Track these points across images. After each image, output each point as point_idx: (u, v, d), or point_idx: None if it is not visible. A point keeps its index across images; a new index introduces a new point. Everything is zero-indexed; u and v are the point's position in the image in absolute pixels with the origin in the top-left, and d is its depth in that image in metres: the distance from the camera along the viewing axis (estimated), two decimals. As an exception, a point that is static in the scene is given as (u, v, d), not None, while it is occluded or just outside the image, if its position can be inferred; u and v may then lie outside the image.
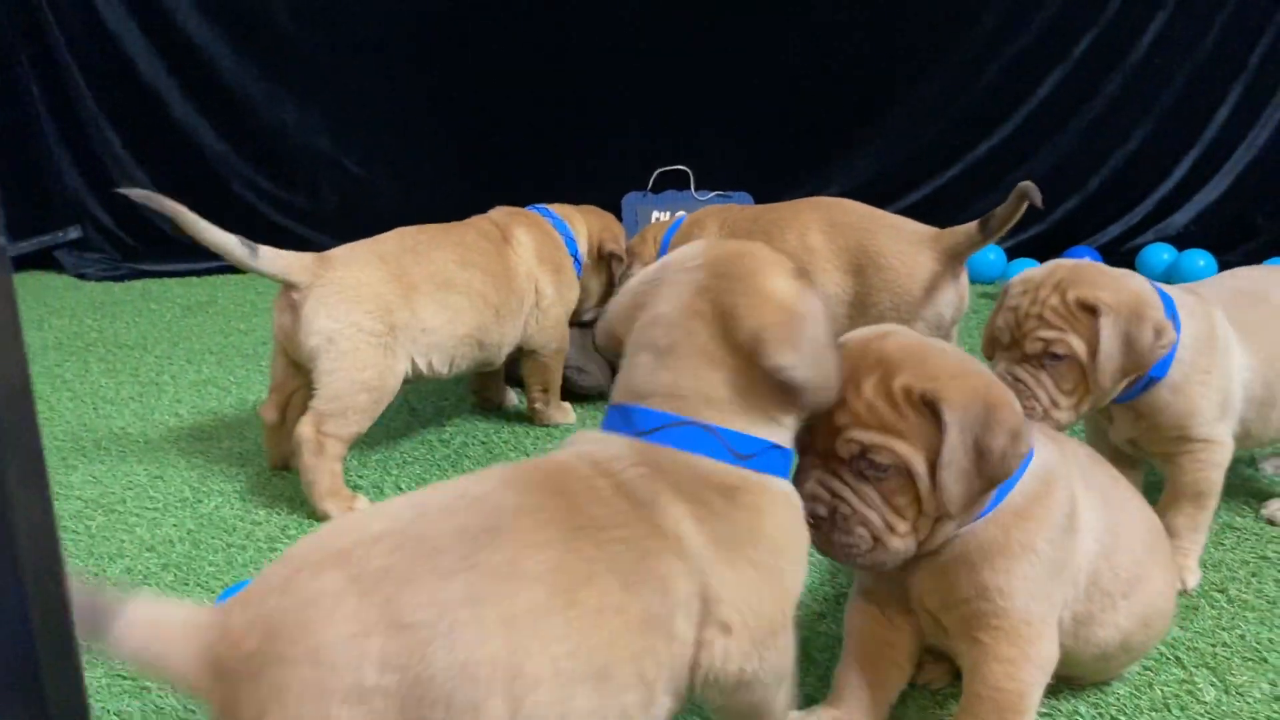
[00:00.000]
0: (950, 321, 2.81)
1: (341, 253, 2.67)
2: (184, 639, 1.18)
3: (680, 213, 3.40)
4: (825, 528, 1.54)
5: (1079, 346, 1.99)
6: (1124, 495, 1.80)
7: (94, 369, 3.73)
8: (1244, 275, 2.47)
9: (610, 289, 3.28)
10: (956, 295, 2.79)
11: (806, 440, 1.54)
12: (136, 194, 2.50)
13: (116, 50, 5.07)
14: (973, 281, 4.61)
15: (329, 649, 1.13)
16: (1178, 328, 2.09)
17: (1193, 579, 2.20)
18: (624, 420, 1.40)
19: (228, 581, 2.27)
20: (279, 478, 2.80)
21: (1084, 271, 2.05)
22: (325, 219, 5.15)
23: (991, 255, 4.60)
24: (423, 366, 2.72)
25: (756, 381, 1.38)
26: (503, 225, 3.02)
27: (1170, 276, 4.52)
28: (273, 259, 2.54)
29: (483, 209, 3.17)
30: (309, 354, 2.55)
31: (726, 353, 1.38)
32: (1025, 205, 2.70)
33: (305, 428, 2.54)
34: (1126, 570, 1.69)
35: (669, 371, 1.38)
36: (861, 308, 2.80)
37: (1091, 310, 1.99)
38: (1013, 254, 4.71)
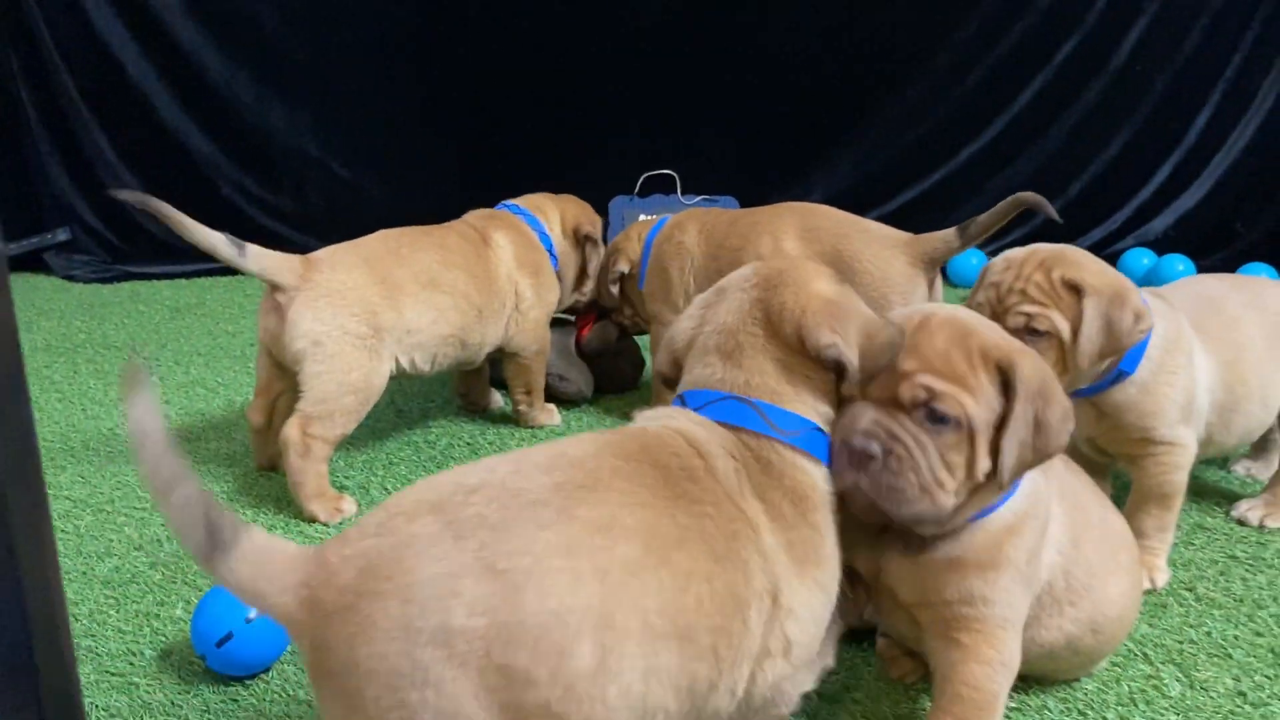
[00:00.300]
0: None
1: (326, 255, 2.69)
2: (286, 572, 1.23)
3: (664, 214, 3.43)
4: (874, 468, 1.49)
5: (1061, 323, 2.02)
6: (1092, 502, 1.83)
7: (82, 370, 3.76)
8: (1203, 282, 2.52)
9: (584, 273, 3.32)
10: (930, 299, 2.83)
11: (864, 388, 1.55)
12: (126, 195, 2.53)
13: (105, 53, 5.09)
14: (954, 285, 4.68)
15: (420, 586, 1.17)
16: (1147, 336, 2.13)
17: (1162, 578, 2.25)
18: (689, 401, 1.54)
19: (215, 581, 2.30)
20: (266, 478, 2.83)
21: (1068, 253, 2.09)
22: (312, 221, 5.18)
23: (974, 260, 4.65)
24: (405, 365, 2.76)
25: (810, 368, 1.49)
26: (480, 228, 3.05)
27: (1150, 281, 4.58)
28: (259, 257, 2.57)
29: (468, 210, 3.21)
30: (295, 357, 2.58)
31: (779, 347, 1.50)
32: (1012, 215, 2.75)
33: (291, 430, 2.56)
34: (1079, 580, 1.74)
35: (739, 370, 1.50)
36: None
37: (1076, 290, 2.02)
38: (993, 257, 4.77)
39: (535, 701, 1.17)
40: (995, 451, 1.51)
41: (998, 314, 2.06)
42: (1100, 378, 2.15)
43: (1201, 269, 4.54)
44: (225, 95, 5.18)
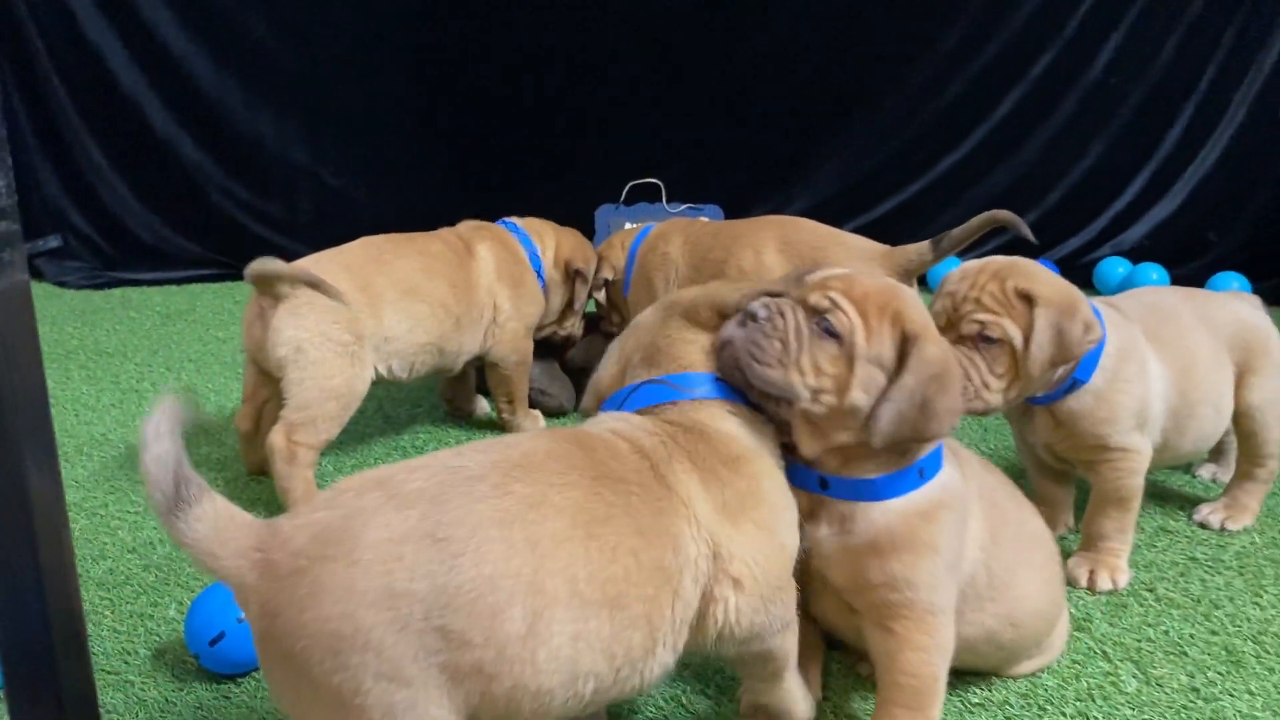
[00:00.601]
0: None
1: (308, 264, 2.75)
2: (241, 536, 1.31)
3: (649, 222, 3.49)
4: (751, 327, 1.66)
5: (1013, 331, 2.09)
6: (1008, 502, 1.92)
7: (75, 376, 3.81)
8: (1155, 293, 2.62)
9: (569, 307, 3.37)
10: None
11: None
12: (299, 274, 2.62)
13: (97, 61, 5.13)
14: (932, 290, 4.76)
15: (365, 549, 1.26)
16: (1100, 345, 2.22)
17: (1123, 578, 2.33)
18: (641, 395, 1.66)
19: (207, 582, 2.36)
20: (256, 482, 2.90)
21: (1020, 264, 2.17)
22: (302, 229, 5.23)
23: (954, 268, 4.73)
24: (383, 371, 2.82)
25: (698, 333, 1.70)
26: (466, 239, 3.11)
27: (1125, 289, 4.67)
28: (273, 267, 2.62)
29: (457, 220, 3.27)
30: (278, 364, 2.64)
31: (679, 328, 1.69)
32: (986, 230, 2.84)
33: (277, 437, 2.62)
34: (998, 575, 1.82)
35: (653, 367, 1.67)
36: None
37: (1028, 299, 2.10)
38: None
39: (470, 662, 1.27)
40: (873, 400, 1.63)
41: (953, 321, 2.13)
42: (1055, 386, 2.24)
43: (1175, 278, 4.63)
44: (216, 103, 5.23)
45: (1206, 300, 2.58)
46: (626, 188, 4.83)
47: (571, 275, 3.31)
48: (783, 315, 1.64)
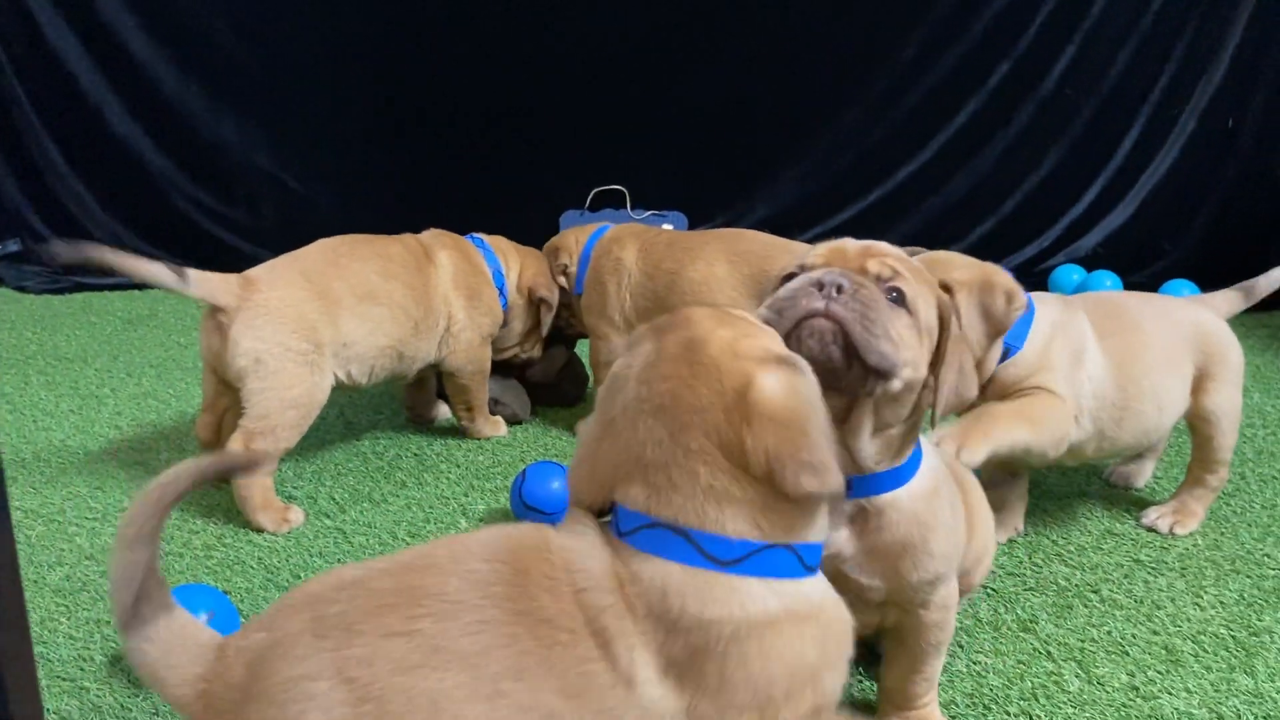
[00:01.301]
0: None
1: (264, 273, 2.74)
2: (190, 662, 1.26)
3: (605, 223, 3.50)
4: (845, 298, 1.50)
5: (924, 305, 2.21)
6: (965, 479, 2.01)
7: (33, 382, 3.79)
8: (1112, 294, 2.74)
9: (535, 331, 3.37)
10: None
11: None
12: (61, 248, 2.60)
13: (58, 64, 5.10)
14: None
15: (283, 687, 1.18)
16: (1030, 313, 2.33)
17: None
18: (614, 518, 1.31)
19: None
20: (216, 489, 2.90)
21: (937, 257, 2.27)
22: (266, 234, 5.22)
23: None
24: (342, 376, 2.83)
25: (771, 496, 1.25)
26: (427, 245, 3.12)
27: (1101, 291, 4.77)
28: (199, 282, 2.61)
29: (421, 226, 3.29)
30: (237, 374, 2.64)
31: (729, 476, 1.25)
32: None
33: (235, 446, 2.63)
34: (974, 553, 1.98)
35: (678, 495, 1.25)
36: None
37: (946, 289, 2.18)
38: (932, 273, 4.93)
39: None
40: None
41: None
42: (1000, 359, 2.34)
43: (1128, 285, 4.72)
44: (179, 107, 5.21)
45: (1169, 304, 2.65)
46: (591, 194, 4.88)
47: (535, 302, 3.31)
48: (863, 286, 1.47)
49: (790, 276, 1.54)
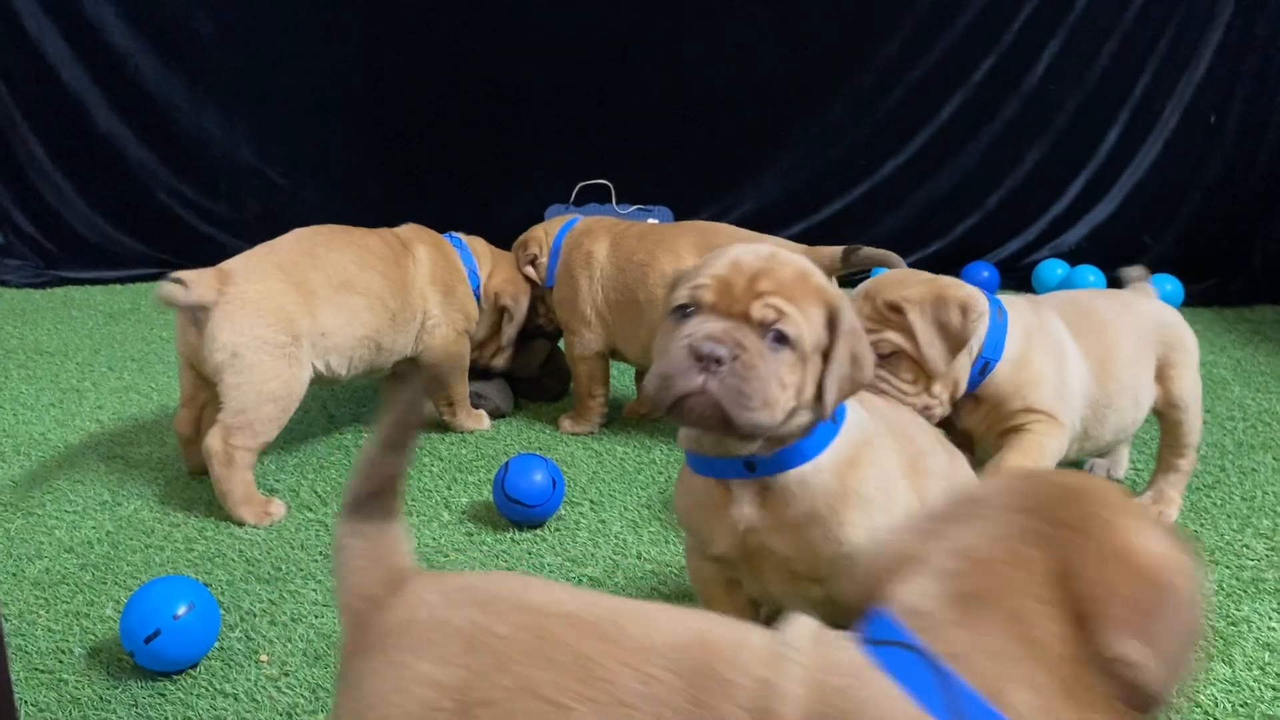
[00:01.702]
0: None
1: (239, 265, 2.72)
2: (373, 580, 1.26)
3: (574, 215, 3.48)
4: (723, 372, 1.55)
5: (899, 340, 2.22)
6: (923, 433, 1.97)
7: (13, 376, 3.77)
8: (1075, 292, 2.76)
9: (496, 335, 3.33)
10: None
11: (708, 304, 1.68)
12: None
13: (39, 57, 5.06)
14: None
15: (402, 675, 1.15)
16: (1003, 321, 2.32)
17: None
18: (873, 628, 1.12)
19: (145, 581, 2.36)
20: (198, 482, 2.89)
21: (887, 279, 2.31)
22: (249, 228, 5.18)
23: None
24: (321, 368, 2.81)
25: (1081, 664, 1.04)
26: (405, 239, 3.11)
27: (1064, 290, 4.78)
28: (187, 279, 2.59)
29: (406, 220, 3.29)
30: (214, 369, 2.62)
31: (1051, 619, 1.04)
32: (881, 266, 3.01)
33: (214, 440, 2.61)
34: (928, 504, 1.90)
35: (968, 629, 1.06)
36: None
37: (897, 309, 2.22)
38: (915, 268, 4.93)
39: None
40: (817, 384, 1.63)
41: None
42: (975, 375, 2.32)
43: (1111, 280, 4.74)
44: (161, 101, 5.18)
45: (1125, 299, 2.68)
46: (576, 188, 4.86)
47: (498, 309, 3.29)
48: (744, 348, 1.55)
49: (683, 309, 1.62)
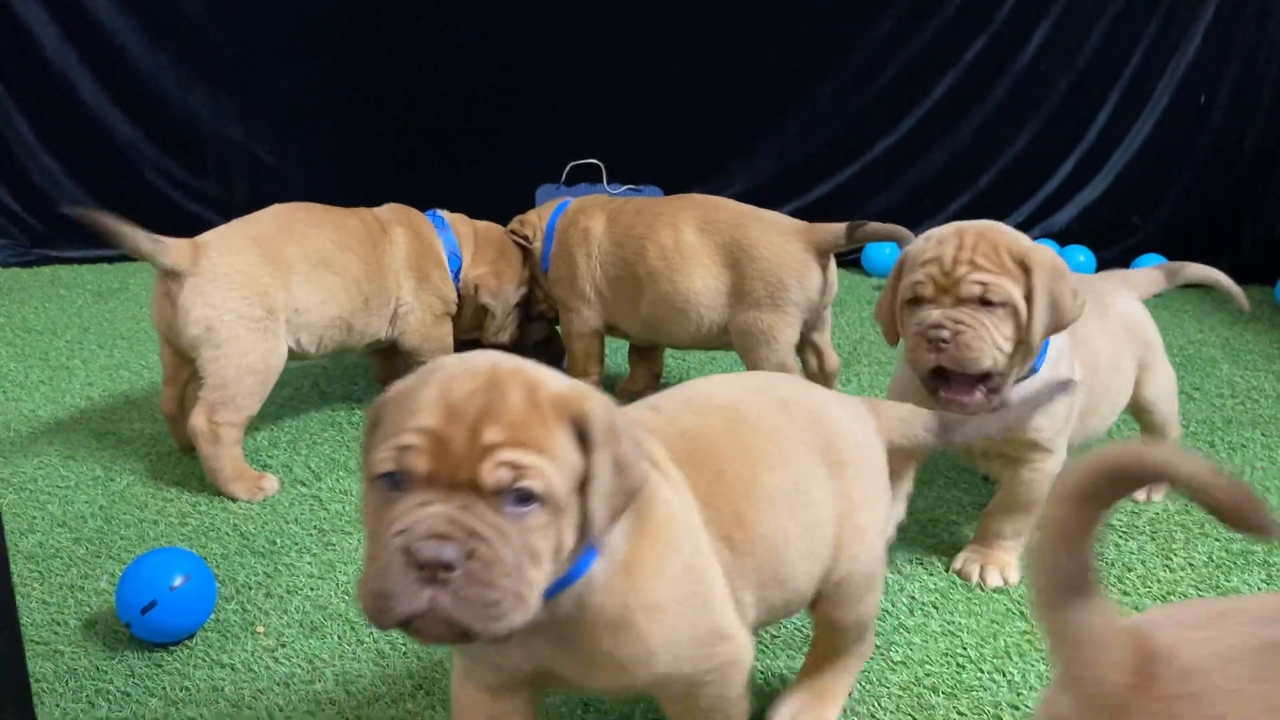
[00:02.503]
0: (821, 305, 3.02)
1: (214, 238, 2.70)
2: (1118, 648, 1.01)
3: (565, 198, 3.47)
4: (456, 580, 1.20)
5: (1016, 294, 2.00)
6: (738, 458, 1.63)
7: (2, 354, 3.75)
8: None
9: (481, 324, 3.29)
10: (825, 281, 2.99)
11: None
12: (79, 213, 2.56)
13: (25, 34, 5.01)
14: (868, 273, 4.86)
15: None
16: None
17: (1014, 575, 2.29)
18: None
19: (139, 554, 2.35)
20: (190, 458, 2.88)
21: (1004, 228, 2.09)
22: (237, 207, 5.09)
23: (887, 249, 4.82)
24: (292, 344, 2.77)
25: None
26: (384, 221, 3.08)
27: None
28: (166, 249, 2.58)
29: (394, 198, 3.28)
30: (190, 343, 2.60)
31: None
32: (888, 240, 3.06)
33: (198, 419, 2.61)
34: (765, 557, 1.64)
35: None
36: (739, 296, 2.98)
37: (1023, 264, 2.01)
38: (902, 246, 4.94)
39: None
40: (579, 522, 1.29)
41: (945, 287, 2.03)
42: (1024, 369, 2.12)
43: (1101, 260, 4.77)
44: (148, 79, 5.14)
45: (1101, 295, 2.45)
46: (567, 168, 4.84)
47: (479, 304, 3.24)
48: (479, 537, 1.19)
49: (390, 477, 1.22)
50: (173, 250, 2.59)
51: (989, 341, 2.02)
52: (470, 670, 1.52)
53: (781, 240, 2.96)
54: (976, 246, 2.02)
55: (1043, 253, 2.04)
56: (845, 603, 1.74)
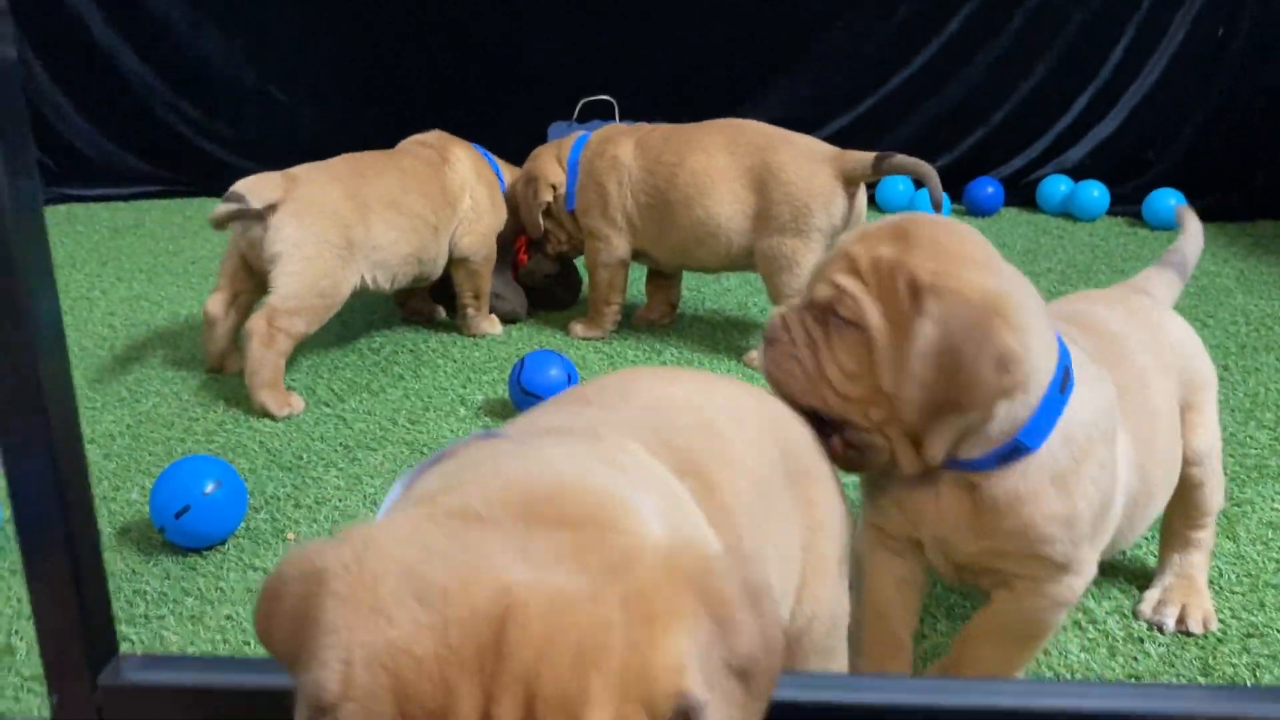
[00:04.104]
0: (844, 232, 3.02)
1: (303, 172, 2.87)
2: None
3: (580, 131, 3.44)
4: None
5: (874, 318, 1.35)
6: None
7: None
8: (1092, 305, 1.76)
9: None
10: (851, 208, 2.99)
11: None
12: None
13: (36, -27, 5.00)
14: (882, 210, 4.85)
15: None
16: (1068, 383, 1.41)
17: None
18: None
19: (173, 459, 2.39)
20: (215, 380, 2.92)
21: (938, 233, 1.38)
22: (248, 146, 5.16)
23: (901, 185, 4.81)
24: (369, 281, 2.93)
25: None
26: (440, 147, 3.22)
27: (1067, 206, 4.79)
28: (249, 187, 2.75)
29: (406, 135, 3.31)
30: (272, 258, 2.73)
31: None
32: (914, 176, 2.99)
33: (257, 321, 2.71)
34: None
35: None
36: (763, 220, 2.98)
37: (914, 288, 1.33)
38: (919, 183, 4.90)
39: None
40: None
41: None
42: (986, 450, 1.39)
43: (1116, 196, 4.76)
44: (161, 19, 5.11)
45: (1145, 323, 1.74)
46: (580, 104, 4.83)
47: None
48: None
49: None
50: (262, 186, 2.76)
51: (805, 367, 1.41)
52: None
53: (810, 165, 2.96)
54: (876, 248, 1.37)
55: (965, 281, 1.32)
56: (812, 659, 1.33)
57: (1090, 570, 1.50)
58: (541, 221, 3.30)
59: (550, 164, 3.29)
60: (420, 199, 3.04)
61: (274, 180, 2.79)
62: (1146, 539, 2.08)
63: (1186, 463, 1.78)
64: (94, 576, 0.82)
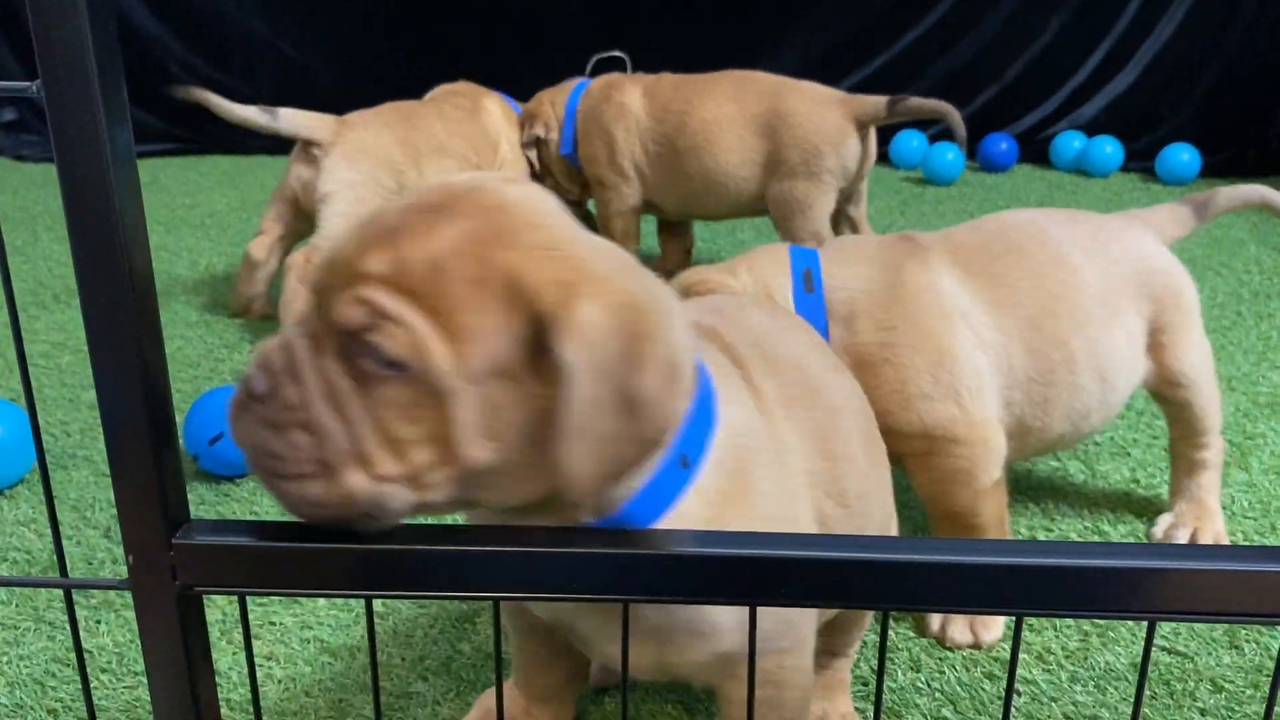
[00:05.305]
0: (858, 176, 3.04)
1: (356, 117, 2.93)
2: None
3: (578, 79, 3.43)
4: None
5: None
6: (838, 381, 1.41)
7: (43, 237, 3.81)
8: (1004, 217, 1.91)
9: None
10: (862, 151, 3.00)
11: None
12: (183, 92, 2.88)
13: (47, -72, 5.00)
14: (895, 166, 4.86)
15: None
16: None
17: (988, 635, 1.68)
18: None
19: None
20: (240, 325, 2.96)
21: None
22: (263, 102, 5.12)
23: (915, 141, 4.82)
24: None
25: None
26: (470, 95, 3.28)
27: (1081, 163, 4.80)
28: (291, 118, 2.82)
29: (419, 93, 3.31)
30: (323, 198, 2.78)
31: None
32: (934, 117, 3.00)
33: (298, 256, 2.76)
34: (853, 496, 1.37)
35: None
36: (775, 165, 2.99)
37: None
38: (935, 139, 4.92)
39: None
40: None
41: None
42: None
43: (1129, 152, 4.76)
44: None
45: (1103, 230, 1.87)
46: (592, 60, 4.82)
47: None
48: (294, 374, 0.90)
49: None
50: (317, 126, 2.82)
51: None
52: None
53: (819, 108, 2.97)
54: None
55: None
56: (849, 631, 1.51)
57: (994, 445, 1.67)
58: (531, 158, 3.33)
59: (546, 106, 3.32)
60: (464, 142, 3.09)
61: (326, 123, 2.85)
62: (1160, 469, 2.12)
63: (1170, 383, 1.89)
64: (170, 450, 0.87)
